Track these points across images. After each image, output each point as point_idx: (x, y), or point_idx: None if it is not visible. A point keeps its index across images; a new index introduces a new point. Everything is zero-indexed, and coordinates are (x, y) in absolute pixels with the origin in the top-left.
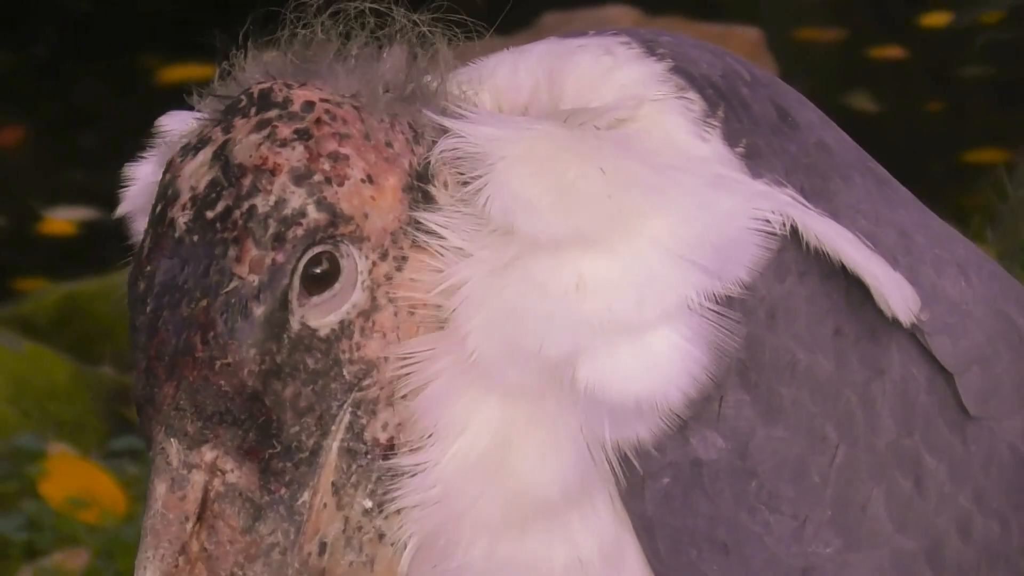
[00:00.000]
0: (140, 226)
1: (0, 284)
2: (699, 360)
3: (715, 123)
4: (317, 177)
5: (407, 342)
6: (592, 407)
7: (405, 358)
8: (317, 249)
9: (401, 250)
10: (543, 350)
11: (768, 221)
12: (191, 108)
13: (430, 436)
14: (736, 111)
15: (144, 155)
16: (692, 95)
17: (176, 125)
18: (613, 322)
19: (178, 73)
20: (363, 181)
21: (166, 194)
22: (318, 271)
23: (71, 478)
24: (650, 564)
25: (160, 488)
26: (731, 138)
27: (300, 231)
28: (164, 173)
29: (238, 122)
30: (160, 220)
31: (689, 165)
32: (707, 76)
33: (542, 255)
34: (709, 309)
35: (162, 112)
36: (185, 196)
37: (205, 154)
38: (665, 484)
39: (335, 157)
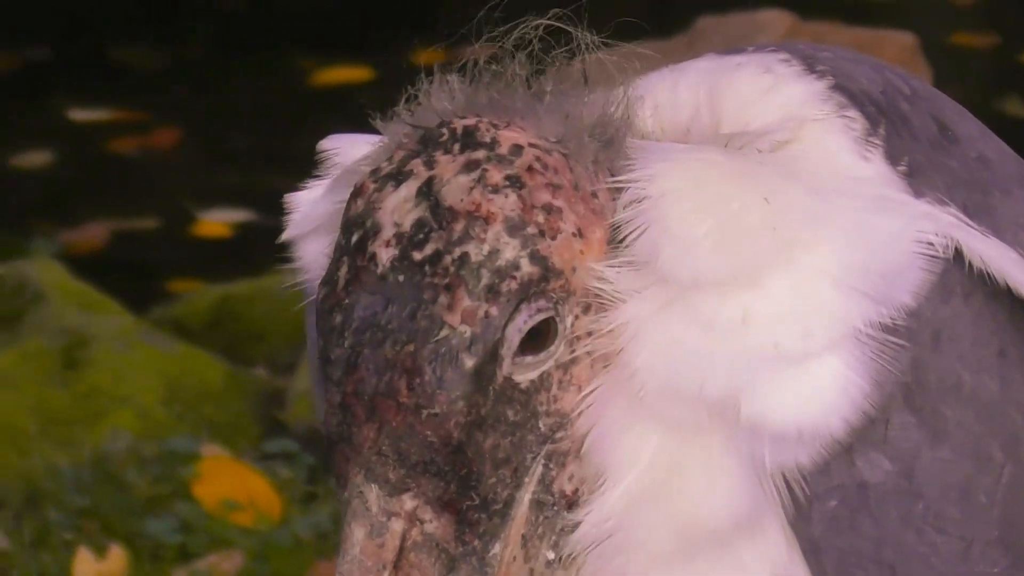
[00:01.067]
0: (308, 250)
1: (154, 286)
2: (862, 388)
3: (877, 141)
4: (531, 229)
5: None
6: (756, 438)
7: (582, 400)
8: (534, 309)
9: (599, 300)
10: (706, 388)
11: (931, 243)
12: (337, 116)
13: (602, 473)
14: (897, 128)
15: (310, 183)
16: (853, 113)
17: (339, 148)
18: (778, 356)
19: (332, 75)
20: (574, 235)
21: (364, 225)
22: (535, 332)
23: (225, 480)
24: None
25: (358, 533)
26: (893, 156)
27: (514, 284)
28: (354, 198)
29: (441, 158)
30: (358, 252)
31: (851, 188)
32: (867, 92)
33: (706, 294)
34: (873, 335)
35: (316, 114)
36: (388, 232)
37: (408, 189)
38: (832, 507)
39: (548, 209)
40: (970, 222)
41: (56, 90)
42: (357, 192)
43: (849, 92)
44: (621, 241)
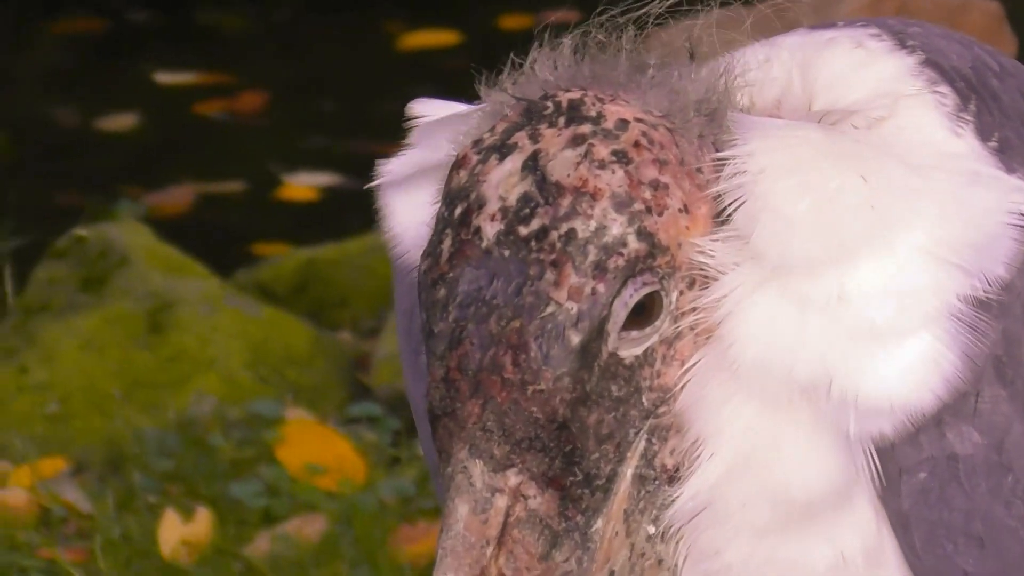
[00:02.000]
0: (397, 209)
1: (240, 249)
2: (953, 362)
3: (968, 117)
4: (638, 205)
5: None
6: (848, 412)
7: (684, 374)
8: (640, 283)
9: (703, 275)
10: (798, 366)
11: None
12: (424, 80)
13: (700, 445)
14: (987, 104)
15: (398, 152)
16: (944, 89)
17: (427, 113)
18: (872, 333)
19: (419, 39)
20: (680, 211)
21: (468, 197)
22: (640, 307)
23: (309, 444)
24: (905, 559)
25: (462, 509)
26: (983, 132)
27: (621, 261)
28: (456, 169)
29: (546, 131)
30: (462, 225)
31: (945, 163)
32: (957, 68)
33: (801, 272)
34: (965, 309)
35: (403, 78)
36: (494, 206)
37: (514, 162)
38: (922, 479)
39: (655, 185)
40: None
41: (143, 53)
42: (459, 163)
43: (940, 68)
44: (723, 216)
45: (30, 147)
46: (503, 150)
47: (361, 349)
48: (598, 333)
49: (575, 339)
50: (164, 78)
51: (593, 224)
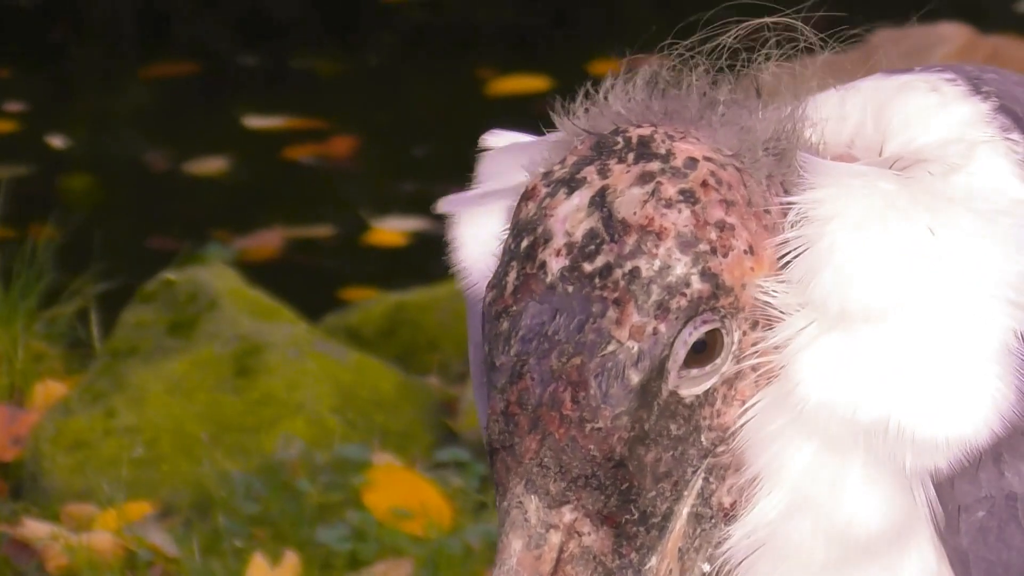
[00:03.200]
0: (470, 246)
1: (328, 293)
2: (1008, 398)
3: None
4: (703, 246)
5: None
6: (905, 448)
7: (744, 412)
8: (700, 321)
9: (766, 316)
10: (860, 411)
11: None
12: (514, 125)
13: (758, 484)
14: None
15: (468, 187)
16: (1017, 136)
17: (500, 144)
18: (932, 372)
19: (511, 84)
20: (745, 252)
21: (535, 231)
22: (701, 345)
23: (396, 489)
24: None
25: (516, 544)
26: None
27: (684, 301)
28: (525, 201)
29: (615, 167)
30: (528, 259)
31: (1013, 208)
32: None
33: (863, 320)
34: (1022, 346)
35: (493, 123)
36: (560, 241)
37: (582, 198)
38: (980, 517)
39: (721, 226)
40: None
41: (235, 96)
42: (528, 194)
43: (1014, 115)
44: (788, 259)
45: (120, 190)
46: (572, 184)
47: (449, 394)
48: (658, 372)
49: (635, 378)
50: (255, 122)
51: (657, 263)
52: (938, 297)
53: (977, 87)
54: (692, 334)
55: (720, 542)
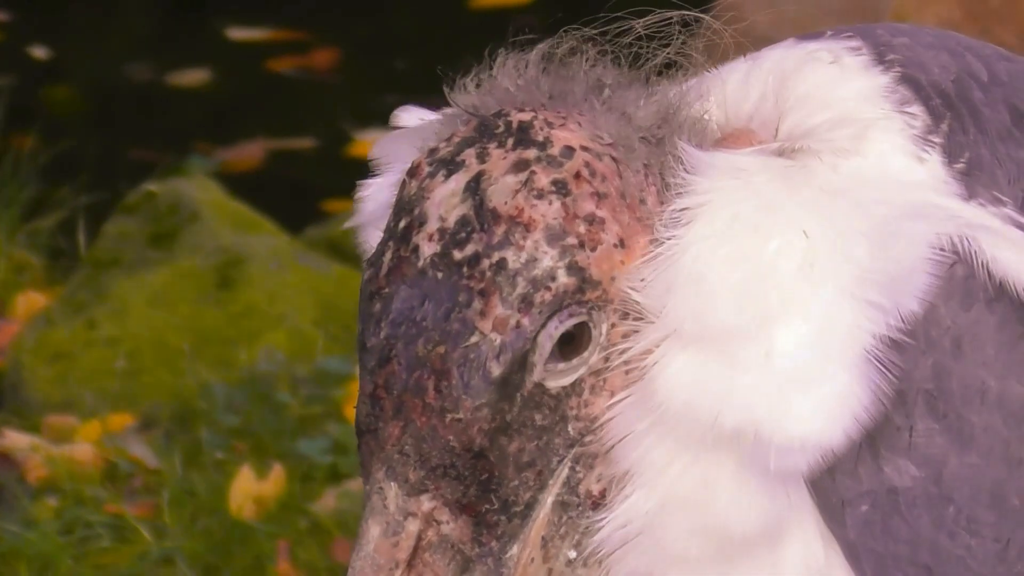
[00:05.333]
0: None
1: (310, 206)
2: (862, 400)
3: (936, 139)
4: (571, 240)
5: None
6: (767, 451)
7: (613, 406)
8: (566, 315)
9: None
10: (722, 418)
11: (946, 248)
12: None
13: (629, 477)
14: (962, 122)
15: (377, 171)
16: (916, 109)
17: (410, 121)
18: (793, 379)
19: None
20: (615, 246)
21: (412, 212)
22: (568, 338)
23: None
24: None
25: (374, 531)
26: (951, 154)
27: (548, 296)
28: (410, 177)
29: (494, 152)
30: (403, 240)
31: (892, 195)
32: (936, 84)
33: (724, 339)
34: (884, 346)
35: (475, 37)
36: (433, 225)
37: (458, 182)
38: (864, 511)
39: (591, 220)
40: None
41: (217, 9)
42: (413, 171)
43: (916, 84)
44: (654, 266)
45: (103, 102)
46: (451, 166)
47: None
48: (520, 365)
49: (496, 371)
50: (237, 34)
51: (524, 256)
52: (799, 307)
53: (882, 55)
54: (557, 328)
55: (590, 530)
